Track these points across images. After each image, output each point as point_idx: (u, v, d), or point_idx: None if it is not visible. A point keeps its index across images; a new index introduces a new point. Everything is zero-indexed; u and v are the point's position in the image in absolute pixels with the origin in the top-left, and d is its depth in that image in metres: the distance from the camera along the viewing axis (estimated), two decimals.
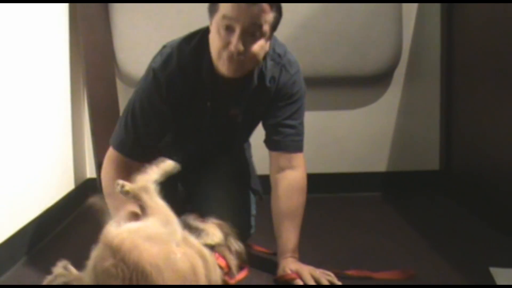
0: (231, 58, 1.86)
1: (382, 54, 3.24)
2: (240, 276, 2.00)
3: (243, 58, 1.86)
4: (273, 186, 2.14)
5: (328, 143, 3.41)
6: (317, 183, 3.34)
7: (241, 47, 1.84)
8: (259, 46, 1.87)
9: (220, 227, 1.88)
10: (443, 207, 3.07)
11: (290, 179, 2.10)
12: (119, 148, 2.03)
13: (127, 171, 1.93)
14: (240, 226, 2.18)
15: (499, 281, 1.96)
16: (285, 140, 2.10)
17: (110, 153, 2.06)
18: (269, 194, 2.16)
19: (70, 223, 2.80)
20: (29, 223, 2.39)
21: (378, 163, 3.46)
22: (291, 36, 3.15)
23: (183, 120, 2.11)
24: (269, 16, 1.84)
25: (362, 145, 3.43)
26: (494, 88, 2.67)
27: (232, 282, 1.86)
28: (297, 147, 2.11)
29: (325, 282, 1.95)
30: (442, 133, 3.37)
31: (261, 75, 2.03)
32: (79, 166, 3.17)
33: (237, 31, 1.82)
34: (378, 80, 3.36)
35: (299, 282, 1.96)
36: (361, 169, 3.44)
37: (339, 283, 1.96)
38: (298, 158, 2.11)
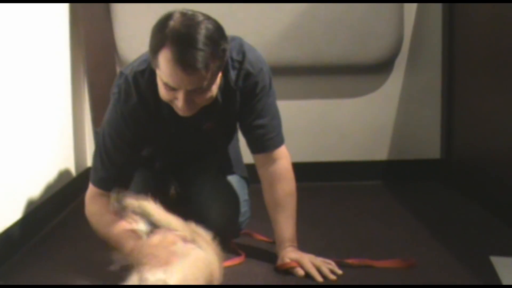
0: (182, 110, 1.83)
1: (383, 42, 3.23)
2: (233, 262, 2.03)
3: (194, 105, 1.84)
4: (261, 181, 2.15)
5: (329, 131, 3.41)
6: (317, 171, 3.36)
7: (188, 105, 1.80)
8: (209, 93, 1.83)
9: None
10: (444, 196, 3.07)
11: (272, 172, 2.10)
12: (101, 185, 2.01)
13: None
14: (229, 214, 2.19)
15: (500, 270, 1.96)
16: (258, 142, 2.10)
17: (93, 192, 2.03)
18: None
19: (70, 212, 2.80)
20: (30, 212, 2.39)
21: (379, 152, 3.46)
22: (292, 24, 3.14)
23: (157, 140, 2.11)
24: (210, 73, 1.76)
25: (363, 134, 3.42)
26: (496, 76, 2.66)
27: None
28: (272, 145, 2.10)
29: (325, 270, 1.95)
30: (443, 122, 3.37)
31: (226, 88, 2.01)
32: (80, 155, 3.17)
33: (181, 93, 1.78)
34: (379, 69, 3.35)
35: (299, 270, 1.97)
36: (361, 157, 3.44)
37: (339, 271, 1.97)
38: (278, 153, 2.11)
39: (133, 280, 1.62)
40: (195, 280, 1.65)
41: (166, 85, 1.78)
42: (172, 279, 1.59)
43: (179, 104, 1.80)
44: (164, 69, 1.74)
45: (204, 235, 1.83)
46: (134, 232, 1.85)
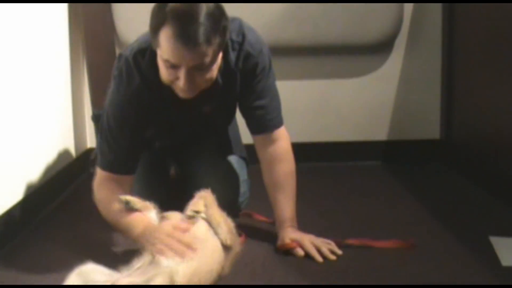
0: (183, 90, 1.83)
1: (383, 22, 3.22)
2: None
3: (195, 86, 1.83)
4: (260, 162, 2.15)
5: (328, 111, 3.41)
6: (316, 151, 3.37)
7: (190, 84, 1.80)
8: (210, 73, 1.83)
9: (204, 199, 1.88)
10: (443, 177, 3.08)
11: (272, 152, 2.10)
12: (110, 167, 1.98)
13: (123, 189, 1.95)
14: (229, 193, 2.19)
15: (499, 250, 1.96)
16: (258, 123, 2.11)
17: (101, 177, 2.00)
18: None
19: (71, 193, 2.80)
20: (30, 194, 2.39)
21: (378, 132, 3.46)
22: (291, 4, 3.13)
23: (159, 122, 2.11)
24: (212, 48, 1.75)
25: (362, 114, 3.42)
26: (497, 57, 2.66)
27: None
28: (272, 126, 2.10)
29: (325, 251, 1.96)
30: (443, 102, 3.36)
31: (226, 70, 2.00)
32: (79, 137, 3.17)
33: (183, 70, 1.77)
34: (379, 49, 3.34)
35: (299, 251, 1.98)
36: (361, 138, 3.44)
37: (339, 252, 1.98)
38: (277, 133, 2.11)
39: (143, 262, 1.62)
40: (208, 272, 1.66)
41: (167, 62, 1.77)
42: (185, 267, 1.59)
43: (180, 83, 1.79)
44: (166, 46, 1.73)
45: (230, 226, 1.85)
46: (144, 217, 1.86)
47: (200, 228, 1.77)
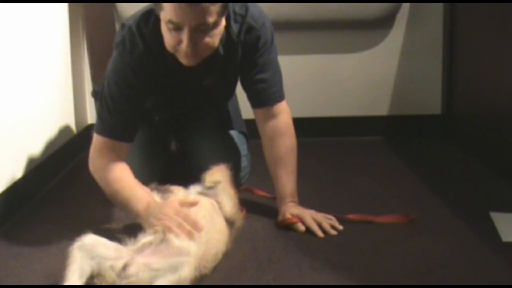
0: (186, 54, 1.82)
1: None
2: None
3: (198, 51, 1.83)
4: (261, 136, 2.15)
5: (330, 86, 3.40)
6: (317, 126, 3.37)
7: (192, 46, 1.79)
8: (212, 37, 1.82)
9: (221, 172, 1.88)
10: (444, 152, 3.08)
11: (273, 127, 2.10)
12: (108, 133, 1.96)
13: (120, 156, 1.94)
14: (231, 167, 2.20)
15: (499, 226, 1.97)
16: (260, 96, 2.10)
17: (99, 144, 1.97)
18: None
19: (72, 170, 2.81)
20: (31, 170, 2.39)
21: (380, 107, 3.45)
22: None
23: (159, 92, 2.10)
24: (214, 9, 1.75)
25: (363, 89, 3.42)
26: (498, 31, 2.64)
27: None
28: (273, 99, 2.10)
29: (326, 226, 1.97)
30: (445, 77, 3.35)
31: (227, 42, 2.00)
32: (80, 113, 3.17)
33: (186, 32, 1.76)
34: (380, 23, 3.32)
35: (300, 226, 1.98)
36: (362, 112, 3.44)
37: (340, 227, 1.98)
38: (278, 107, 2.11)
39: (154, 239, 1.61)
40: (214, 255, 1.67)
41: (170, 24, 1.76)
42: (196, 250, 1.59)
43: (183, 45, 1.79)
44: (169, 6, 1.73)
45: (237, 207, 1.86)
46: (146, 194, 1.86)
47: (206, 206, 1.78)
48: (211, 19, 1.76)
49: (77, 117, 3.10)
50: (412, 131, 3.42)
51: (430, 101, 3.43)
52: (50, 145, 2.65)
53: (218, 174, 1.86)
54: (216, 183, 1.84)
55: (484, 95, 2.84)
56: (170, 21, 1.76)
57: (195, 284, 1.55)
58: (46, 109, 2.65)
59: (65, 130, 2.90)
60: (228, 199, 1.82)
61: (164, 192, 1.85)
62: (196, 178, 1.92)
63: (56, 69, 2.82)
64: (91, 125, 3.22)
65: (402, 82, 3.41)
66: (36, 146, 2.50)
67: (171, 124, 2.42)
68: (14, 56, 2.28)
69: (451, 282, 1.60)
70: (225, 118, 2.44)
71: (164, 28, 1.82)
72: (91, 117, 3.28)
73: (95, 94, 2.59)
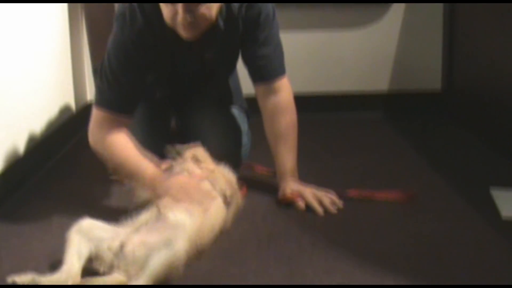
0: (183, 26, 1.82)
1: None
2: None
3: (195, 23, 1.82)
4: (261, 112, 2.15)
5: (329, 62, 3.39)
6: (317, 102, 3.36)
7: (188, 19, 1.79)
8: (209, 8, 1.82)
9: (192, 154, 1.88)
10: (444, 128, 3.07)
11: (274, 102, 2.10)
12: (108, 106, 1.95)
13: (121, 129, 1.93)
14: (230, 144, 2.19)
15: (499, 202, 1.97)
16: (261, 71, 2.09)
17: (99, 118, 1.96)
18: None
19: (72, 148, 2.81)
20: (31, 149, 2.39)
21: (380, 83, 3.44)
22: None
23: (160, 66, 2.09)
24: None
25: (363, 65, 3.41)
26: (499, 6, 2.62)
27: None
28: (274, 75, 2.09)
29: (326, 202, 1.97)
30: (445, 53, 3.34)
31: (228, 16, 1.99)
32: (79, 91, 3.16)
33: (180, 7, 1.77)
34: None
35: (300, 203, 1.98)
36: (362, 88, 3.43)
37: (340, 203, 1.98)
38: (279, 83, 2.10)
39: (149, 216, 1.62)
40: (210, 231, 1.67)
41: None
42: (192, 223, 1.59)
43: (179, 16, 1.79)
44: None
45: (235, 186, 1.86)
46: (151, 165, 1.86)
47: (205, 183, 1.79)
48: None
49: (76, 95, 3.09)
50: (412, 107, 3.41)
51: (430, 77, 3.41)
52: (49, 123, 2.65)
53: (188, 155, 1.86)
54: (179, 154, 1.85)
55: (485, 71, 2.83)
56: None
57: (194, 260, 1.56)
58: (46, 88, 2.65)
59: (65, 108, 2.90)
60: (213, 179, 1.82)
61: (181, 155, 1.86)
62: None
63: (55, 47, 2.81)
64: (91, 104, 3.21)
65: (402, 58, 3.40)
66: (35, 125, 2.50)
67: (172, 101, 2.41)
68: (13, 35, 2.27)
69: (450, 259, 1.61)
70: (225, 94, 2.43)
71: (161, 2, 1.83)
72: (90, 95, 3.27)
73: (95, 71, 2.58)
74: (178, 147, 1.91)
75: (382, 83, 3.44)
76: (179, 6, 1.78)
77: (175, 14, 1.80)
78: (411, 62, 3.40)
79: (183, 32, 1.86)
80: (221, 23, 1.98)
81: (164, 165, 1.87)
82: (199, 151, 1.90)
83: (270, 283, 1.49)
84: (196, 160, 1.86)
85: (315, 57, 3.38)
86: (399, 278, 1.50)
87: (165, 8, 1.83)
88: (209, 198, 1.73)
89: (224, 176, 1.85)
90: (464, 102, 3.10)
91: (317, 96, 3.40)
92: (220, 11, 1.95)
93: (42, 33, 2.61)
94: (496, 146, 2.61)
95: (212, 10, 1.84)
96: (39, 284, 1.42)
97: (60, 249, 1.61)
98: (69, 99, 2.99)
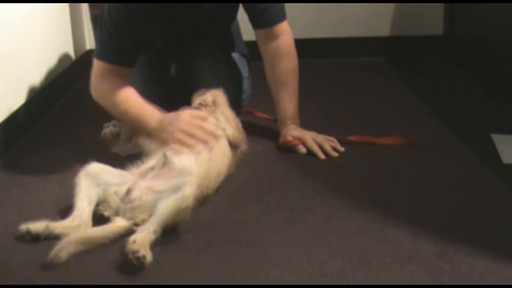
0: None
1: None
2: None
3: None
4: (262, 58, 2.13)
5: (330, 7, 3.35)
6: (319, 47, 3.34)
7: None
8: None
9: (214, 95, 1.87)
10: (445, 73, 3.06)
11: (274, 48, 2.08)
12: (110, 58, 1.93)
13: (123, 80, 1.91)
14: (231, 90, 2.18)
15: (500, 147, 1.97)
16: (260, 16, 2.07)
17: (101, 69, 1.94)
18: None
19: (72, 96, 2.80)
20: (32, 98, 2.38)
21: (381, 28, 3.41)
22: None
23: (160, 17, 2.06)
24: None
25: (365, 9, 3.37)
26: None
27: None
28: (274, 20, 2.07)
29: (328, 148, 1.97)
30: None
31: None
32: (78, 39, 3.13)
33: None
34: None
35: (301, 148, 1.99)
36: (363, 33, 3.40)
37: (342, 148, 1.99)
38: (279, 28, 2.08)
39: (156, 163, 1.62)
40: (216, 175, 1.67)
41: None
42: (198, 169, 1.60)
43: None
44: None
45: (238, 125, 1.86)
46: (156, 110, 1.86)
47: (212, 122, 1.78)
48: None
49: (75, 43, 3.06)
50: (414, 52, 3.39)
51: (432, 22, 3.38)
52: (49, 72, 2.63)
53: (208, 97, 1.85)
54: (203, 105, 1.83)
55: (486, 16, 2.80)
56: None
57: (199, 204, 1.57)
58: (44, 36, 2.62)
59: (64, 56, 2.88)
60: (228, 122, 1.82)
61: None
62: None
63: None
64: (90, 51, 3.19)
65: (404, 2, 3.36)
66: (35, 74, 2.48)
67: (172, 47, 2.39)
68: None
69: (452, 203, 1.62)
70: (226, 40, 2.41)
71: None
72: (89, 42, 3.24)
73: (94, 18, 2.55)
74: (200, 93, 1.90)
75: (384, 28, 3.41)
76: None
77: None
78: (413, 7, 3.36)
79: None
80: None
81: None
82: (219, 94, 1.89)
83: (271, 229, 1.50)
84: (215, 102, 1.84)
85: (317, 2, 3.33)
86: (399, 223, 1.51)
87: None
88: (214, 138, 1.73)
89: (234, 120, 1.85)
90: (466, 46, 3.08)
91: (318, 41, 3.37)
92: None
93: None
94: (497, 90, 2.60)
95: None
96: (53, 231, 1.44)
97: (64, 198, 1.63)
98: (68, 47, 2.97)
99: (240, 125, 1.88)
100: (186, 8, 2.07)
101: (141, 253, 1.31)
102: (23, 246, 1.44)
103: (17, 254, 1.42)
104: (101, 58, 1.95)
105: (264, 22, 2.07)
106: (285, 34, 2.09)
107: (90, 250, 1.40)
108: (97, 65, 1.96)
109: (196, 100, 1.84)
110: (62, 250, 1.36)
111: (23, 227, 1.45)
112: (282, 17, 2.09)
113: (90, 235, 1.43)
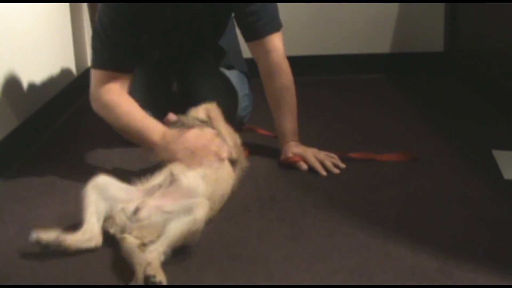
0: None
1: None
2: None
3: None
4: (260, 74, 2.13)
5: (332, 24, 3.37)
6: (320, 64, 3.35)
7: None
8: None
9: (207, 110, 1.87)
10: (446, 89, 3.06)
11: (267, 63, 2.07)
12: (105, 64, 1.93)
13: (123, 88, 1.91)
14: (229, 106, 2.19)
15: (501, 163, 1.97)
16: (249, 29, 2.07)
17: (99, 79, 1.94)
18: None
19: (74, 112, 2.80)
20: (33, 114, 2.39)
21: (382, 44, 3.42)
22: None
23: (151, 22, 2.07)
24: None
25: (366, 26, 3.38)
26: None
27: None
28: (263, 32, 2.05)
29: (329, 164, 1.97)
30: (447, 14, 3.31)
31: None
32: (80, 55, 3.15)
33: None
34: None
35: (303, 165, 1.99)
36: (365, 50, 3.41)
37: (343, 165, 1.99)
38: (270, 41, 2.06)
39: (163, 180, 1.62)
40: (220, 196, 1.67)
41: None
42: (205, 189, 1.60)
43: None
44: None
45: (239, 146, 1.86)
46: (159, 124, 1.84)
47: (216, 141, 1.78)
48: None
49: (77, 59, 3.07)
50: (415, 69, 3.40)
51: (433, 38, 3.39)
52: (51, 88, 2.64)
53: (201, 112, 1.84)
54: (198, 119, 1.82)
55: (487, 32, 2.81)
56: None
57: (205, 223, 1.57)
58: (46, 53, 2.63)
59: (66, 73, 2.89)
60: (227, 138, 1.82)
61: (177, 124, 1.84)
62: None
63: (55, 11, 2.79)
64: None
65: (405, 19, 3.37)
66: (37, 90, 2.49)
67: (171, 63, 2.40)
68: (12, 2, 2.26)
69: (453, 219, 1.62)
70: (224, 57, 2.41)
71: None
72: (91, 59, 3.25)
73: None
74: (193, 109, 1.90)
75: (384, 45, 3.42)
76: None
77: None
78: (413, 24, 3.38)
79: None
80: None
81: (171, 117, 1.86)
82: (213, 108, 1.88)
83: (272, 245, 1.50)
84: (209, 117, 1.84)
85: (318, 19, 3.35)
86: (401, 239, 1.50)
87: None
88: (218, 161, 1.72)
89: (231, 136, 1.84)
90: (466, 63, 3.09)
91: (319, 58, 3.38)
92: None
93: None
94: (498, 106, 2.60)
95: None
96: (62, 243, 1.43)
97: (65, 214, 1.63)
98: (70, 64, 2.98)
99: (238, 140, 1.88)
100: (175, 12, 2.06)
101: (158, 278, 1.28)
102: (25, 262, 1.44)
103: (19, 270, 1.41)
104: (97, 66, 1.95)
105: (253, 34, 2.07)
106: (276, 49, 2.07)
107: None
108: (94, 75, 1.96)
109: (191, 113, 1.83)
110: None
111: (34, 235, 1.43)
112: (272, 29, 2.06)
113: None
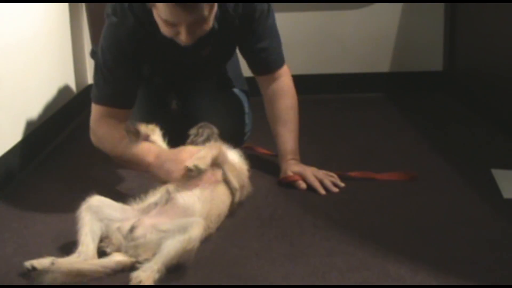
0: (184, 42, 1.80)
1: None
2: None
3: (196, 36, 1.80)
4: (263, 98, 2.16)
5: (331, 43, 3.38)
6: (319, 83, 3.36)
7: (191, 37, 1.78)
8: (209, 23, 1.79)
9: (215, 153, 1.84)
10: (446, 108, 3.07)
11: (274, 89, 2.12)
12: (106, 101, 1.95)
13: (120, 122, 1.91)
14: (231, 126, 2.19)
15: (500, 182, 1.97)
16: (261, 65, 2.11)
17: (98, 113, 1.96)
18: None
19: (73, 130, 2.81)
20: (32, 132, 2.39)
21: (381, 64, 3.43)
22: None
23: (155, 60, 2.07)
24: (208, 5, 1.72)
25: (365, 45, 3.39)
26: None
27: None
28: (274, 66, 2.11)
29: (328, 183, 1.97)
30: (446, 33, 3.32)
31: (223, 16, 1.97)
32: (80, 73, 3.15)
33: (183, 28, 1.74)
34: None
35: (302, 183, 1.99)
36: (364, 69, 3.42)
37: (342, 184, 1.99)
38: (279, 71, 2.12)
39: (159, 199, 1.62)
40: (216, 216, 1.66)
41: (166, 22, 1.74)
42: (201, 208, 1.60)
43: (182, 37, 1.77)
44: (163, 8, 1.70)
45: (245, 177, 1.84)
46: (154, 145, 1.83)
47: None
48: (206, 12, 1.73)
49: (77, 77, 3.08)
50: (414, 88, 3.41)
51: (432, 58, 3.40)
52: (51, 105, 2.64)
53: (207, 158, 1.78)
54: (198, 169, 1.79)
55: (486, 51, 2.82)
56: (166, 21, 1.73)
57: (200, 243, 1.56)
58: (46, 70, 2.64)
59: (66, 90, 2.89)
60: (231, 181, 1.78)
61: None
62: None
63: (55, 29, 2.80)
64: (91, 85, 3.20)
65: (404, 39, 3.39)
66: (37, 107, 2.49)
67: (171, 83, 2.40)
68: (13, 16, 2.26)
69: (452, 239, 1.61)
70: (225, 77, 2.42)
71: (159, 20, 1.79)
72: (91, 77, 3.26)
73: (93, 53, 2.57)
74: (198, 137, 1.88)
75: (384, 64, 3.43)
76: (183, 31, 1.75)
77: (176, 34, 1.78)
78: (412, 43, 3.39)
79: (182, 44, 1.83)
80: (215, 24, 1.94)
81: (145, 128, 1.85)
82: (217, 148, 1.78)
83: (271, 264, 1.50)
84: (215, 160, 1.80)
85: (317, 38, 3.37)
86: (400, 258, 1.50)
87: (164, 28, 1.78)
88: (214, 179, 1.72)
89: (239, 178, 1.82)
90: (466, 82, 3.10)
91: (318, 77, 3.39)
92: (218, 16, 1.93)
93: (42, 14, 2.60)
94: (498, 125, 2.60)
95: (211, 22, 1.82)
96: (58, 267, 1.40)
97: (64, 231, 1.62)
98: (70, 81, 2.99)
99: (246, 173, 1.86)
100: (180, 54, 2.07)
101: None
102: (22, 280, 1.43)
103: None
104: (98, 101, 1.97)
105: (265, 70, 2.12)
106: (284, 76, 2.13)
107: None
108: (94, 109, 1.98)
109: (190, 163, 1.79)
110: (48, 275, 1.36)
111: (27, 264, 1.41)
112: (280, 62, 2.13)
113: (83, 268, 1.42)
